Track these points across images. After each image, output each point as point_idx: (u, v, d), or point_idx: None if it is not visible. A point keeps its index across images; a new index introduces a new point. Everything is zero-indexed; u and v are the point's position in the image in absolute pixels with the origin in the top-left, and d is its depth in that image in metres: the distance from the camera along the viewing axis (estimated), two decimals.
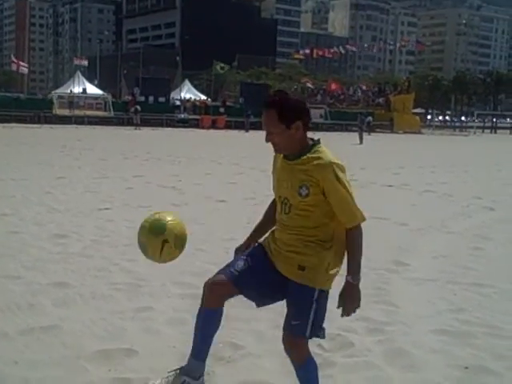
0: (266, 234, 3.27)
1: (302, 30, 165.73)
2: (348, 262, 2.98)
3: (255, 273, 3.09)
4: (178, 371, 3.16)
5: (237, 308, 4.77)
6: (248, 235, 3.36)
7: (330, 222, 2.97)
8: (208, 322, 3.17)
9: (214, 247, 6.85)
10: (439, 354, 4.08)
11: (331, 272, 3.03)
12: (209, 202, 10.32)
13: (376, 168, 18.39)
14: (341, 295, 2.98)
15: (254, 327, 4.35)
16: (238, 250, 3.34)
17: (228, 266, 3.14)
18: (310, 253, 2.98)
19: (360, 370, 3.79)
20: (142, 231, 3.19)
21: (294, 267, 3.01)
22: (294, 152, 2.97)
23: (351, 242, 2.96)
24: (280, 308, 4.80)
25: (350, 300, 2.99)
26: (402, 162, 21.36)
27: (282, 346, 3.10)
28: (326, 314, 4.71)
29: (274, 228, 3.20)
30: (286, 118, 2.89)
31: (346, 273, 2.99)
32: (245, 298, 3.24)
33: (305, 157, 2.93)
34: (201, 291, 5.22)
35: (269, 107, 2.92)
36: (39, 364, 3.71)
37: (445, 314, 4.91)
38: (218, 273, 3.13)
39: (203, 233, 7.66)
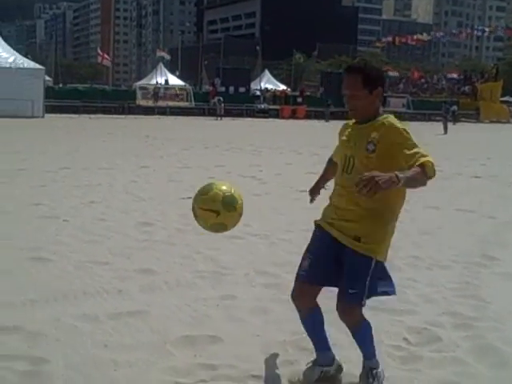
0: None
1: (384, 17, 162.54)
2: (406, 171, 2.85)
3: (320, 262, 3.23)
4: (312, 363, 3.44)
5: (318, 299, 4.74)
6: (317, 180, 3.77)
7: (389, 192, 2.92)
8: (311, 323, 3.41)
9: (296, 237, 6.81)
10: None
11: (386, 243, 3.17)
12: (290, 192, 10.30)
13: (462, 158, 17.81)
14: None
15: (337, 317, 4.30)
16: (311, 191, 3.77)
17: (299, 268, 3.32)
18: (364, 223, 3.09)
19: (448, 366, 3.69)
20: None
21: (349, 237, 3.12)
22: (366, 116, 3.15)
23: (415, 169, 2.85)
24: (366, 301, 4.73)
25: (379, 177, 2.69)
26: (489, 152, 20.57)
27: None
28: (412, 308, 4.64)
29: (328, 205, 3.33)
30: (370, 83, 3.08)
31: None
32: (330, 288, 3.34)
33: (374, 120, 3.13)
34: (283, 280, 5.25)
35: (353, 72, 3.11)
36: (127, 347, 3.82)
37: None
38: (296, 282, 3.34)
39: (285, 223, 7.66)
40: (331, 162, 3.61)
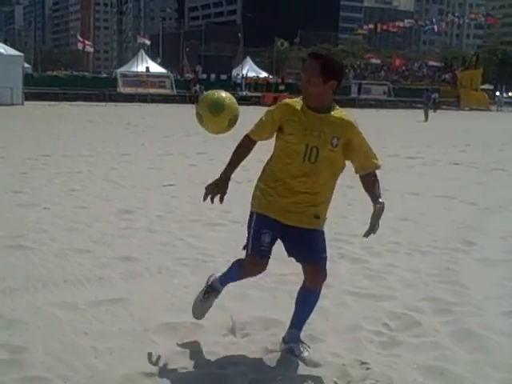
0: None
1: (366, 4, 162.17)
2: (375, 192, 3.44)
3: (273, 240, 3.41)
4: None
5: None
6: (228, 169, 3.53)
7: (338, 174, 3.48)
8: None
9: None
10: (510, 337, 3.96)
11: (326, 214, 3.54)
12: None
13: (442, 145, 17.92)
14: (375, 217, 3.39)
15: (318, 304, 4.32)
16: (221, 187, 3.46)
17: (260, 244, 3.36)
18: (322, 201, 3.44)
19: (427, 350, 3.72)
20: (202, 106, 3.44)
21: (309, 217, 3.39)
22: (319, 105, 3.31)
23: (376, 180, 3.47)
24: (344, 286, 4.77)
25: (379, 219, 3.40)
26: (469, 139, 20.74)
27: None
28: (392, 294, 4.69)
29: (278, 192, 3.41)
30: (325, 72, 3.23)
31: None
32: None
33: (333, 112, 3.34)
34: None
35: (315, 58, 3.30)
36: (108, 335, 3.81)
37: None
38: (257, 257, 3.39)
39: None
40: (252, 144, 3.55)
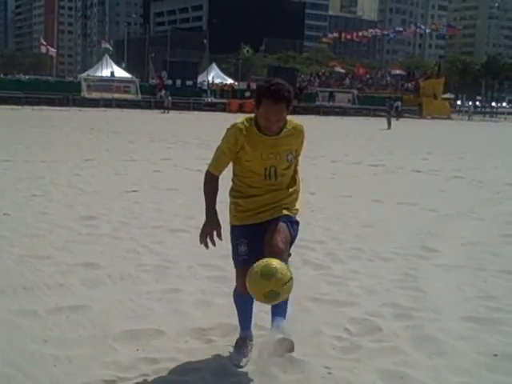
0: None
1: (331, 13, 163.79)
2: None
3: (256, 243, 3.44)
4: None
5: None
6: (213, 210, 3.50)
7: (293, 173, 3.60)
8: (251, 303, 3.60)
9: None
10: (468, 341, 4.03)
11: (298, 206, 3.65)
12: None
13: (404, 153, 18.18)
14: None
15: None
16: (217, 226, 3.46)
17: (239, 254, 3.51)
18: (290, 197, 3.57)
19: (387, 355, 3.76)
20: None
21: (281, 209, 3.49)
22: (278, 131, 3.41)
23: None
24: (306, 292, 4.79)
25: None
26: (431, 147, 21.08)
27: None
28: (354, 299, 4.73)
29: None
30: (289, 106, 3.33)
31: None
32: None
33: (285, 129, 3.43)
34: (227, 273, 5.24)
35: (282, 102, 3.27)
36: (68, 342, 3.75)
37: (474, 301, 4.84)
38: (242, 269, 3.44)
39: None
40: (216, 181, 3.52)
